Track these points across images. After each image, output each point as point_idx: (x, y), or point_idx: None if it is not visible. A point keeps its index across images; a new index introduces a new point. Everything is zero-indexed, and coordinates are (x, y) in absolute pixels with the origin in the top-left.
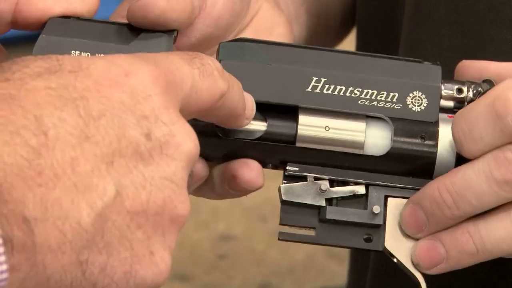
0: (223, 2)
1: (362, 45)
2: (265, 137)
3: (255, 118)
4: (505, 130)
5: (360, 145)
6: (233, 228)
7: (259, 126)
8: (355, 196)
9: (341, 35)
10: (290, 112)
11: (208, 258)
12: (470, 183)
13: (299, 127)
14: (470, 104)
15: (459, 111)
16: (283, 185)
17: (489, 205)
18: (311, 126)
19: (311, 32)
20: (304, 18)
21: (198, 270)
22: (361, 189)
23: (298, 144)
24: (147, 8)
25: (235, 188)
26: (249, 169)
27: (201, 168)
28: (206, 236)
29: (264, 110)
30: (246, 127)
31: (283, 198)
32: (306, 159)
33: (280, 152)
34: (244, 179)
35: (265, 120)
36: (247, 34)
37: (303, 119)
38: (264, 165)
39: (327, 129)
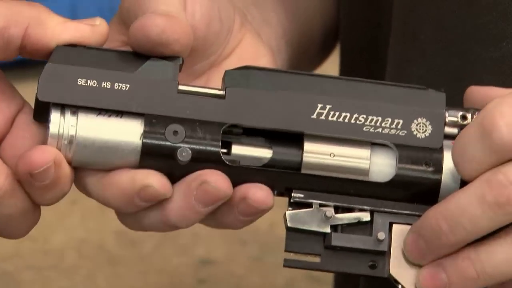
0: (201, 14)
1: (347, 66)
2: (271, 164)
3: (260, 145)
4: (494, 147)
5: (365, 172)
6: (213, 252)
7: (265, 153)
8: (360, 223)
9: (323, 58)
10: (295, 139)
11: (188, 283)
12: (464, 208)
13: (304, 154)
14: (465, 127)
15: (457, 135)
16: (289, 211)
17: (484, 229)
18: (316, 153)
19: (293, 62)
20: (285, 50)
21: None
22: (365, 216)
23: (303, 171)
24: (146, 27)
25: (245, 211)
26: (259, 188)
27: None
28: (186, 261)
29: (269, 137)
30: (252, 154)
31: (289, 225)
32: (312, 186)
33: (285, 179)
34: (255, 198)
35: (270, 147)
36: (232, 62)
37: (308, 146)
38: None
39: (332, 155)
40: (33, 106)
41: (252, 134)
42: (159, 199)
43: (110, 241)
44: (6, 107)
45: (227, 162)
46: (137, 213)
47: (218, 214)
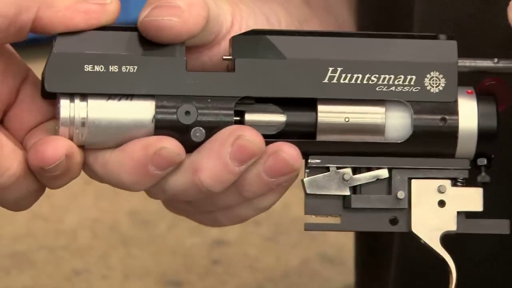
0: None
1: None
2: (286, 130)
3: (274, 112)
4: None
5: (381, 129)
6: (226, 233)
7: (279, 118)
8: (378, 180)
9: None
10: (309, 104)
11: (202, 263)
12: None
13: (318, 115)
14: None
15: None
16: (306, 178)
17: None
18: (330, 113)
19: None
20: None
21: (191, 276)
22: (384, 173)
23: (319, 135)
24: (161, 31)
25: (273, 167)
26: (291, 146)
27: None
28: (200, 242)
29: (282, 103)
30: (266, 119)
31: (308, 191)
32: (328, 150)
33: (300, 145)
34: (289, 152)
35: (283, 112)
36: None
37: (322, 108)
38: None
39: (346, 119)
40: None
41: (265, 102)
42: (175, 162)
43: (123, 221)
44: (11, 78)
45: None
46: (163, 182)
47: (242, 176)
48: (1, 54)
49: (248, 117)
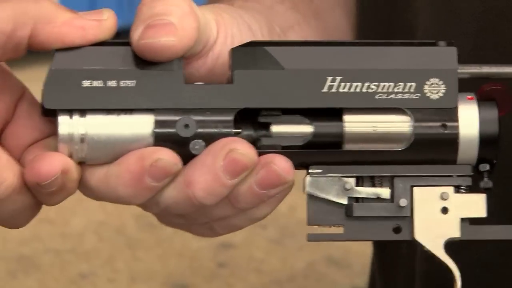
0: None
1: None
2: (313, 140)
3: (301, 123)
4: None
5: (407, 137)
6: (232, 236)
7: (306, 128)
8: (379, 199)
9: None
10: (335, 114)
11: (208, 266)
12: None
13: (345, 126)
14: None
15: None
16: (309, 177)
17: None
18: (357, 122)
19: None
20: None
21: (197, 279)
22: (385, 193)
23: (346, 146)
24: (159, 51)
25: (264, 179)
26: (282, 158)
27: None
28: (206, 245)
29: (307, 115)
30: (293, 130)
31: (307, 190)
32: (333, 160)
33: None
34: (280, 164)
35: (310, 123)
36: (217, 47)
37: (348, 118)
38: None
39: (374, 129)
40: (34, 92)
41: (291, 113)
42: (172, 172)
43: (130, 224)
44: (7, 95)
45: (268, 148)
46: (157, 195)
47: (234, 188)
48: None
49: (275, 128)
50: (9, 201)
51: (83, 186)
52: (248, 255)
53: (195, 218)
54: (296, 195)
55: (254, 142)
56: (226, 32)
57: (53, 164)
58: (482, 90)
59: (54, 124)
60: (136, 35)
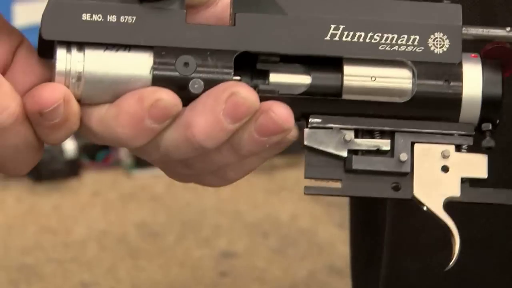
0: None
1: None
2: (310, 91)
3: (300, 72)
4: None
5: (408, 93)
6: (234, 245)
7: (304, 79)
8: (379, 151)
9: None
10: (334, 64)
11: (210, 276)
12: None
13: (344, 77)
14: None
15: None
16: (307, 129)
17: None
18: (357, 76)
19: None
20: None
21: None
22: (385, 145)
23: (344, 97)
24: None
25: (263, 126)
26: (281, 105)
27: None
28: (208, 254)
29: (306, 62)
30: (291, 81)
31: (305, 143)
32: (332, 110)
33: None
34: (278, 111)
35: (309, 73)
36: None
37: (348, 69)
38: None
39: (373, 78)
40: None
41: (290, 61)
42: (172, 113)
43: (131, 233)
44: (6, 41)
45: (266, 93)
46: (157, 137)
47: (235, 132)
48: None
49: (273, 77)
50: (12, 132)
51: (82, 126)
52: (250, 264)
53: (200, 167)
54: (297, 205)
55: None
56: None
57: (55, 91)
58: (486, 49)
59: (52, 69)
60: None
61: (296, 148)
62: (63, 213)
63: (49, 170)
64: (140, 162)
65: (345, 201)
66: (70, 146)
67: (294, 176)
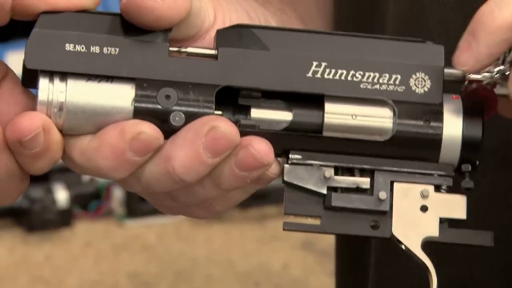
0: None
1: None
2: (291, 127)
3: (281, 109)
4: None
5: (388, 132)
6: None
7: (285, 115)
8: (358, 189)
9: None
10: (315, 101)
11: None
12: None
13: (325, 115)
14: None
15: None
16: (288, 165)
17: None
18: (338, 114)
19: None
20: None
21: None
22: (365, 183)
23: (325, 134)
24: (142, 11)
25: (243, 162)
26: (263, 141)
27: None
28: None
29: (288, 99)
30: (272, 117)
31: (285, 178)
32: (312, 147)
33: (302, 141)
34: (258, 147)
35: (290, 109)
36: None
37: (329, 107)
38: None
39: (354, 116)
40: (18, 73)
41: (271, 97)
42: (154, 147)
43: (124, 283)
44: None
45: (247, 128)
46: (139, 170)
47: (215, 166)
48: None
49: (254, 113)
50: None
51: (65, 156)
52: None
53: (185, 200)
54: (289, 253)
55: (233, 123)
56: (224, 17)
57: (34, 119)
58: (467, 91)
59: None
60: None
61: None
62: (55, 263)
63: (41, 220)
64: (132, 212)
65: None
66: (62, 196)
67: None
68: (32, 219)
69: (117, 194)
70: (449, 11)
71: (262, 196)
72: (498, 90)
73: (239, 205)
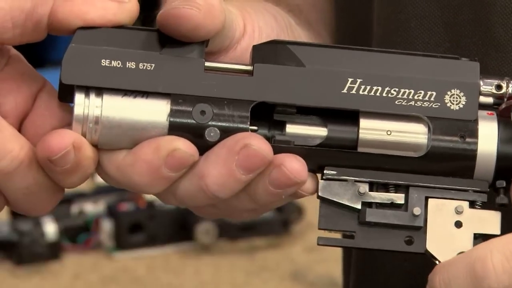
0: None
1: None
2: (326, 143)
3: (316, 125)
4: None
5: (423, 148)
6: None
7: (320, 131)
8: (393, 205)
9: None
10: (350, 117)
11: None
12: None
13: (360, 131)
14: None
15: (441, 263)
16: (322, 181)
17: None
18: (372, 130)
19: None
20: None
21: None
22: (399, 198)
23: (360, 149)
24: (181, 20)
25: (277, 180)
26: (296, 159)
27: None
28: None
29: (323, 115)
30: (307, 132)
31: (320, 194)
32: (347, 163)
33: (337, 156)
34: (291, 166)
35: (325, 125)
36: (245, 42)
37: (364, 123)
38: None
39: (388, 133)
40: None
41: (306, 113)
42: (188, 163)
43: None
44: (26, 87)
45: (281, 143)
46: (174, 185)
47: (250, 183)
48: (15, 63)
49: (289, 128)
50: (19, 176)
51: (101, 171)
52: None
53: (225, 208)
54: (278, 285)
55: (268, 139)
56: (253, 25)
57: (64, 138)
58: (503, 107)
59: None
60: (162, 9)
61: (276, 229)
62: None
63: (30, 253)
64: (121, 244)
65: (328, 281)
66: (51, 229)
67: (274, 256)
68: (21, 252)
69: (106, 226)
70: (434, 35)
71: (251, 228)
72: None
73: (228, 237)
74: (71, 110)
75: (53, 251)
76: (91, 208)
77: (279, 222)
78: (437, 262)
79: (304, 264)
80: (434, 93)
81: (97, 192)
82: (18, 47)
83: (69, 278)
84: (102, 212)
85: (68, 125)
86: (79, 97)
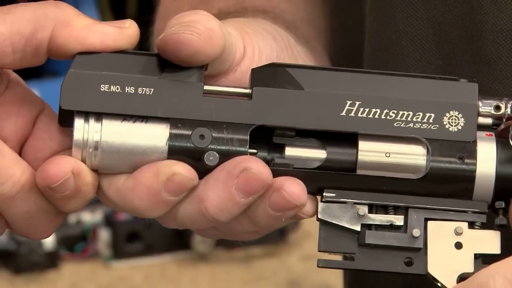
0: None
1: None
2: (325, 165)
3: (315, 147)
4: None
5: (421, 169)
6: None
7: (319, 153)
8: (392, 226)
9: None
10: (349, 139)
11: None
12: None
13: (359, 155)
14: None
15: None
16: (321, 203)
17: None
18: (372, 152)
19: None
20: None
21: None
22: (399, 220)
23: (359, 172)
24: (180, 46)
25: (277, 204)
26: (295, 182)
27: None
28: None
29: (322, 138)
30: (306, 155)
31: (319, 216)
32: (346, 185)
33: (336, 179)
34: (290, 190)
35: (324, 148)
36: (245, 64)
37: (363, 145)
38: None
39: (387, 155)
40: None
41: (306, 136)
42: (188, 187)
43: None
44: (26, 111)
45: (281, 166)
46: (174, 209)
47: (249, 207)
48: (15, 87)
49: (289, 151)
50: (20, 200)
51: (101, 195)
52: None
53: (226, 230)
54: None
55: (267, 162)
56: (253, 46)
57: (63, 166)
58: (501, 128)
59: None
60: (161, 35)
61: (273, 238)
62: None
63: (27, 262)
64: (118, 253)
65: None
66: (48, 238)
67: (271, 265)
68: (19, 261)
69: (103, 235)
70: (426, 53)
71: None
72: None
73: (224, 246)
74: (71, 134)
75: (50, 260)
76: (89, 217)
77: (275, 231)
78: (439, 284)
79: (301, 273)
80: (433, 115)
81: (94, 202)
82: None
83: (66, 287)
84: (100, 221)
85: (68, 148)
86: (78, 122)
